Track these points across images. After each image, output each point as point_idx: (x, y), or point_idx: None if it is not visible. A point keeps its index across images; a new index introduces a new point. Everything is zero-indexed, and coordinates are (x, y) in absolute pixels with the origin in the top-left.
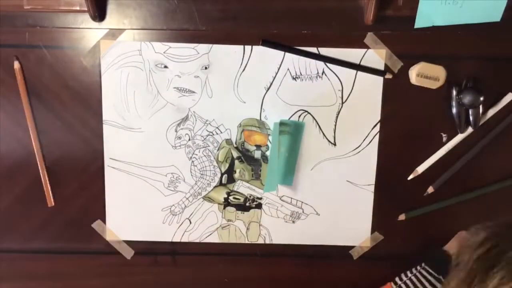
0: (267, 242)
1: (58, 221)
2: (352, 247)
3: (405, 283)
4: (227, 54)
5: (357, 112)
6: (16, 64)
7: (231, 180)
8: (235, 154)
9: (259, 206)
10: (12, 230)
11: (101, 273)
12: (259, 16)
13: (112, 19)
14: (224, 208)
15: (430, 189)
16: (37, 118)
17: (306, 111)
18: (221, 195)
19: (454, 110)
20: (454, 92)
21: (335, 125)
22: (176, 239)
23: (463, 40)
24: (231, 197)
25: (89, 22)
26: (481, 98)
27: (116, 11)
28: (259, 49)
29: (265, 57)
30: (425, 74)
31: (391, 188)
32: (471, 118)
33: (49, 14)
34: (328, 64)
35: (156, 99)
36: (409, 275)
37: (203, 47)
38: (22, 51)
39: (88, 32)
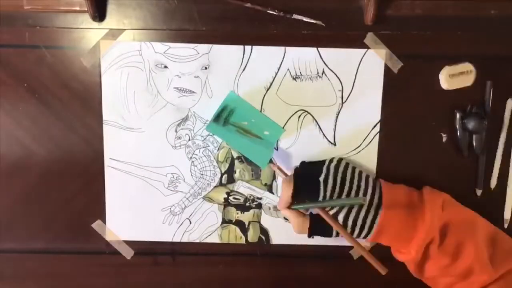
0: (267, 242)
1: (58, 221)
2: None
3: None
4: (227, 54)
5: (357, 112)
6: None
7: (231, 180)
8: (235, 154)
9: (259, 206)
10: (12, 230)
11: (101, 273)
12: (259, 16)
13: (112, 19)
14: (224, 208)
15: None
16: (37, 118)
17: (306, 111)
18: (221, 195)
19: (458, 134)
20: (458, 117)
21: (335, 125)
22: (176, 239)
23: (463, 40)
24: (231, 197)
25: (89, 22)
26: (485, 123)
27: (116, 11)
28: (259, 49)
29: (265, 57)
30: (456, 72)
31: None
32: (474, 143)
33: (49, 14)
34: (328, 64)
35: (156, 99)
36: None
37: (203, 47)
38: (22, 51)
39: (88, 32)
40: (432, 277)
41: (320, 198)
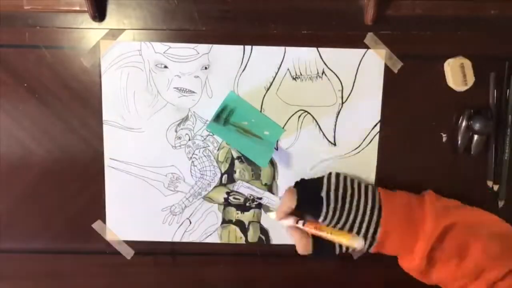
0: (267, 242)
1: (58, 221)
2: None
3: None
4: (227, 54)
5: (357, 112)
6: None
7: (231, 180)
8: (235, 154)
9: (259, 206)
10: (12, 230)
11: (101, 273)
12: (259, 16)
13: (112, 19)
14: (224, 208)
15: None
16: (37, 118)
17: (306, 111)
18: (221, 195)
19: (460, 135)
20: (465, 117)
21: (335, 125)
22: (176, 239)
23: (463, 40)
24: (231, 197)
25: (89, 22)
26: (492, 124)
27: (116, 11)
28: (259, 49)
29: (265, 57)
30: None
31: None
32: (473, 143)
33: (49, 14)
34: (328, 64)
35: (156, 99)
36: None
37: (203, 47)
38: (22, 51)
39: (88, 32)
40: (443, 282)
41: (323, 213)
